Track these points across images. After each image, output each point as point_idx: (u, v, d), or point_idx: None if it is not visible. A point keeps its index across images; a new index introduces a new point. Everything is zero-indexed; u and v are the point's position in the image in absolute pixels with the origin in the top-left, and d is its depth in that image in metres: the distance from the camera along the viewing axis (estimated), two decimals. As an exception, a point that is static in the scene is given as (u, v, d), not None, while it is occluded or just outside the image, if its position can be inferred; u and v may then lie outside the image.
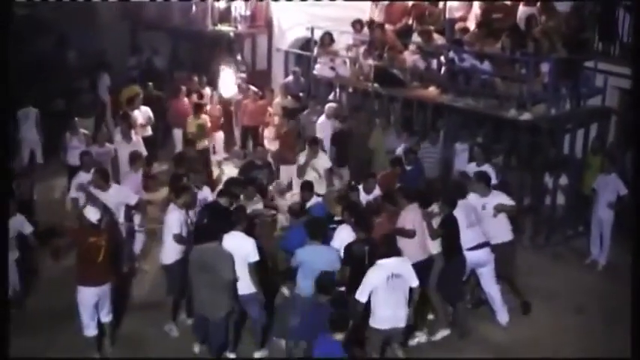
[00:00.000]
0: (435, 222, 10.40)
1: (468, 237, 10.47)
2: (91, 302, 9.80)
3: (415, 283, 9.14)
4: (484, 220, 10.80)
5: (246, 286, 9.45)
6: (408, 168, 12.88)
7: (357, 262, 9.44)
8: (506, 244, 11.04)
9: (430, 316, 10.75)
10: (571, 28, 14.01)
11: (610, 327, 10.44)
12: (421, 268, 9.86)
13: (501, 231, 10.98)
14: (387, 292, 8.90)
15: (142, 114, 16.05)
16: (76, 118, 15.37)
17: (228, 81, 18.07)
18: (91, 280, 9.81)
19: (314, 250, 9.38)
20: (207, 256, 9.36)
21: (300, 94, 17.19)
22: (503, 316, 10.94)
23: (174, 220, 10.23)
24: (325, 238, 9.58)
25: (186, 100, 16.86)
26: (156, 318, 10.78)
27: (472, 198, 10.93)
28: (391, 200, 10.53)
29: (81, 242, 9.90)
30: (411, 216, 10.17)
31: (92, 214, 9.95)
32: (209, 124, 16.13)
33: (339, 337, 7.83)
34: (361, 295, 8.91)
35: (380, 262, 9.00)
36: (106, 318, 10.03)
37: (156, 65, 20.47)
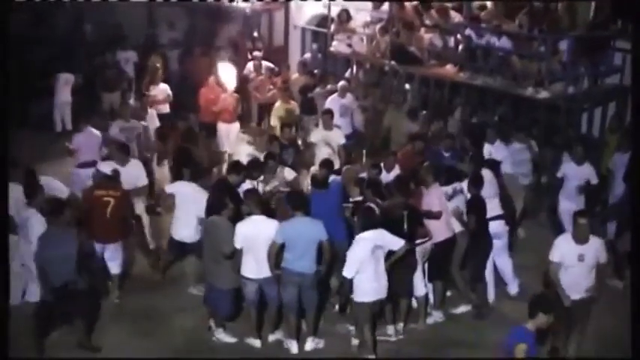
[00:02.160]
0: (458, 201, 10.47)
1: None
2: (99, 254, 10.36)
3: (398, 245, 9.28)
4: (571, 270, 8.97)
5: (269, 268, 9.50)
6: (446, 154, 12.47)
7: (395, 227, 9.49)
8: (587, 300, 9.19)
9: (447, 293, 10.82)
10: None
11: (625, 305, 10.41)
12: (446, 246, 10.17)
13: (585, 285, 9.07)
14: (371, 264, 9.09)
15: (160, 91, 16.03)
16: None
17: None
18: (99, 237, 10.27)
19: (298, 222, 9.38)
20: (211, 228, 9.63)
21: (315, 71, 17.18)
22: (513, 287, 11.10)
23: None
24: (309, 210, 9.57)
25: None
26: (171, 293, 10.94)
27: (565, 241, 9.06)
28: (414, 179, 10.52)
29: (87, 196, 10.33)
30: (437, 195, 10.21)
31: (105, 167, 10.54)
32: (297, 111, 15.46)
33: (532, 326, 7.44)
34: (349, 271, 9.07)
35: (362, 235, 9.15)
36: (115, 270, 10.54)
37: (159, 40, 20.40)
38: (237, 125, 15.72)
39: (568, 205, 11.91)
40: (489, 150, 12.54)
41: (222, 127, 15.37)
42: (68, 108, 17.23)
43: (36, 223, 9.40)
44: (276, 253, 9.33)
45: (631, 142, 11.00)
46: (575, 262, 8.89)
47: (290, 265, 9.36)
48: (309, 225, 9.37)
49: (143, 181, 11.77)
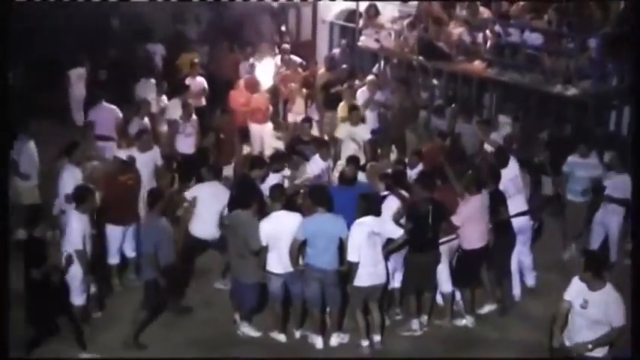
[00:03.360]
0: None
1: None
2: (119, 239, 10.68)
3: (397, 233, 9.49)
4: (573, 315, 7.94)
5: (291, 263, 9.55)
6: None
7: (421, 222, 9.58)
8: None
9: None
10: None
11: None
12: (479, 255, 10.12)
13: (583, 339, 7.92)
14: (368, 249, 9.25)
15: (197, 84, 15.99)
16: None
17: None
18: (120, 219, 10.63)
19: (320, 219, 9.41)
20: (237, 223, 9.66)
21: (344, 66, 17.11)
22: (530, 279, 11.09)
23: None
24: (331, 206, 9.57)
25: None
26: (197, 287, 11.02)
27: (575, 287, 7.94)
28: (440, 176, 10.47)
29: (110, 181, 10.65)
30: (475, 205, 10.03)
31: (122, 154, 10.89)
32: (361, 115, 14.28)
33: None
34: (353, 255, 9.24)
35: (359, 220, 9.31)
36: (132, 253, 10.85)
37: (186, 34, 20.48)
38: (269, 126, 15.51)
39: (599, 217, 11.61)
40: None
41: (254, 128, 15.07)
42: (81, 102, 17.07)
43: (75, 222, 9.41)
44: (298, 249, 9.37)
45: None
46: (578, 307, 7.83)
47: (312, 261, 9.40)
48: (331, 221, 9.41)
49: (159, 160, 12.18)
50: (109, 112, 13.68)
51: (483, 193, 10.13)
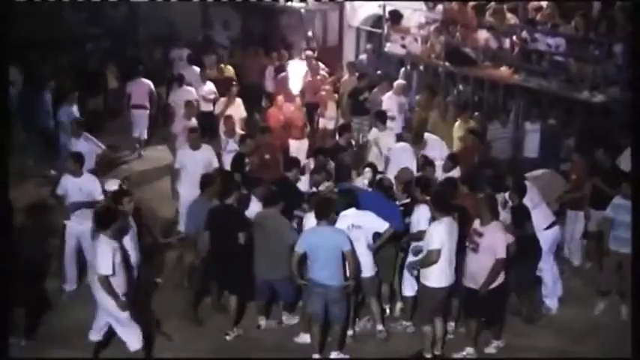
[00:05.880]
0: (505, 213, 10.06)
1: (536, 218, 10.18)
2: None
3: (382, 227, 9.47)
4: None
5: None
6: None
7: None
8: None
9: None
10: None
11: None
12: (499, 292, 9.37)
13: None
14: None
15: (206, 87, 16.30)
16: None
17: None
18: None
19: (319, 232, 9.16)
20: (265, 220, 9.68)
21: (378, 72, 17.03)
22: (556, 292, 10.76)
23: None
24: (333, 220, 9.31)
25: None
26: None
27: None
28: (468, 184, 10.37)
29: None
30: (501, 237, 9.20)
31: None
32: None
33: None
34: None
35: (341, 213, 9.38)
36: None
37: (216, 39, 20.66)
38: (306, 143, 14.73)
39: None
40: None
41: (292, 144, 14.48)
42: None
43: (104, 244, 8.66)
44: (298, 262, 9.23)
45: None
46: None
47: (314, 276, 9.17)
48: (331, 234, 9.10)
49: (214, 164, 12.30)
50: (143, 86, 16.23)
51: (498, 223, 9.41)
